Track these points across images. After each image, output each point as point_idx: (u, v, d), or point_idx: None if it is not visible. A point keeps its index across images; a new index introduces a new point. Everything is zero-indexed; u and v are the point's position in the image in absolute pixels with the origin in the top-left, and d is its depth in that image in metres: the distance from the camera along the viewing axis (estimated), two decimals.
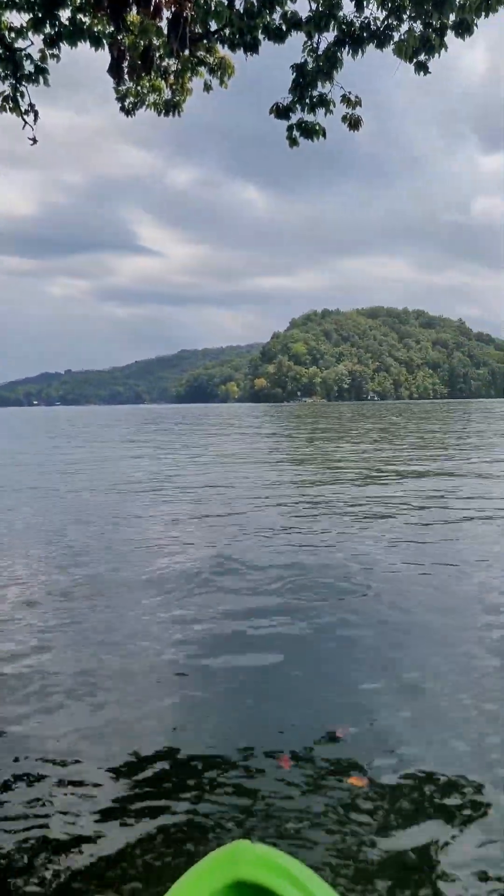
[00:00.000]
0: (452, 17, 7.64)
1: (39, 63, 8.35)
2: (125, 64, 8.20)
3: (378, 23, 7.99)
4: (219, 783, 3.04)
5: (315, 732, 3.46)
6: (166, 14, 6.97)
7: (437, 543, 7.74)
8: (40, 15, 7.87)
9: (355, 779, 3.01)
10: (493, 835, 2.64)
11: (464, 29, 7.71)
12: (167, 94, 9.64)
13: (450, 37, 7.93)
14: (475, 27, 7.70)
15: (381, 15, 7.94)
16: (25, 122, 8.56)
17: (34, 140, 8.76)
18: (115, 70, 7.99)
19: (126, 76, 8.58)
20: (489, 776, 3.01)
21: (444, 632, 4.87)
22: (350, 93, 8.69)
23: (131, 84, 9.20)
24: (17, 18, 7.90)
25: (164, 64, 9.15)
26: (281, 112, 8.78)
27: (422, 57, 8.06)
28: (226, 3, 7.85)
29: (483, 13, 7.42)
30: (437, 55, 8.08)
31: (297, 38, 8.32)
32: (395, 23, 7.95)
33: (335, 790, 2.93)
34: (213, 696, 3.96)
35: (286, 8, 8.00)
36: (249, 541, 8.05)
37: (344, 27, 8.09)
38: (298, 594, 5.84)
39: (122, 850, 2.65)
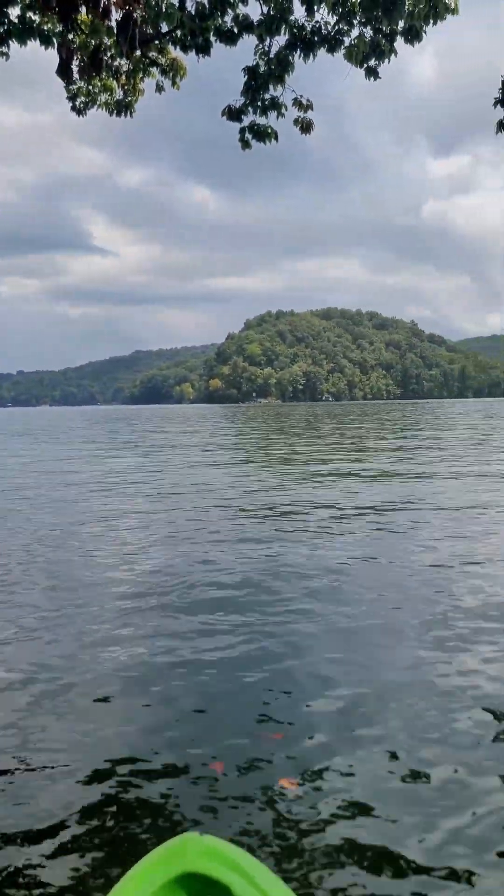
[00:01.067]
0: (402, 23, 7.74)
1: None
2: (75, 64, 8.13)
3: (329, 27, 8.07)
4: (153, 785, 3.03)
5: (247, 737, 3.45)
6: (116, 15, 6.93)
7: (388, 547, 7.83)
8: None
9: (286, 781, 3.03)
10: (417, 831, 2.68)
11: (413, 35, 7.82)
12: (119, 94, 9.59)
13: (399, 43, 8.03)
14: (424, 34, 7.82)
15: (332, 20, 8.01)
16: None
17: None
18: (63, 71, 7.92)
19: (77, 76, 8.50)
20: (419, 780, 3.05)
21: (382, 638, 4.92)
22: (302, 96, 8.74)
23: (82, 84, 9.13)
24: None
25: (116, 64, 9.10)
26: (233, 114, 8.80)
27: (372, 62, 8.15)
28: (177, 4, 7.84)
29: (431, 21, 7.54)
30: (387, 61, 8.17)
31: (248, 41, 8.35)
32: (345, 28, 8.03)
33: (267, 792, 2.94)
34: (148, 700, 3.94)
35: (237, 11, 8.02)
36: (195, 545, 8.05)
37: (295, 31, 8.14)
38: (237, 598, 5.85)
39: (70, 844, 2.64)
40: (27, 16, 7.80)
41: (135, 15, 6.61)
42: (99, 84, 9.33)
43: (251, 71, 8.56)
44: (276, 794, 2.93)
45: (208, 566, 6.93)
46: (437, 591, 5.91)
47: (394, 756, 3.23)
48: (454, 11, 7.52)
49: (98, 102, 9.66)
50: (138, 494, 12.60)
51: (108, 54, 8.50)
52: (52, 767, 3.20)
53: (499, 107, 8.57)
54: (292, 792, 2.94)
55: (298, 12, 7.93)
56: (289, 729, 3.53)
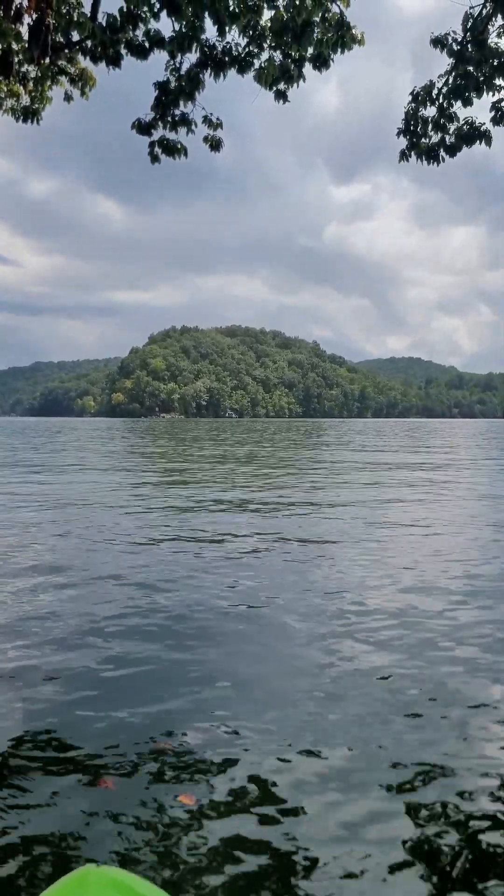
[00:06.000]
0: (311, 50, 7.97)
1: None
2: None
3: (239, 49, 8.20)
4: (42, 811, 2.90)
5: (134, 750, 3.39)
6: (27, 20, 6.83)
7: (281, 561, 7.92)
8: None
9: (184, 796, 2.98)
10: (317, 836, 2.72)
11: (321, 62, 8.06)
12: (25, 100, 9.45)
13: (307, 69, 8.26)
14: (332, 62, 8.07)
15: (243, 41, 8.15)
16: None
17: None
18: None
19: None
20: (310, 785, 3.09)
21: (275, 647, 4.97)
22: (212, 114, 8.85)
23: None
24: None
25: (24, 70, 8.97)
26: (143, 128, 8.81)
27: (281, 85, 8.34)
28: (88, 15, 7.81)
29: (339, 49, 7.79)
30: (295, 85, 8.38)
31: (160, 57, 8.39)
32: (255, 50, 8.18)
33: (163, 807, 2.89)
34: (31, 712, 3.83)
35: (149, 25, 8.05)
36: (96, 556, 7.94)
37: (206, 50, 8.24)
38: (134, 610, 5.80)
39: None
40: None
41: (47, 21, 6.52)
42: (5, 89, 9.18)
43: (162, 86, 8.61)
44: (173, 808, 2.88)
45: (81, 580, 6.84)
46: (330, 607, 6.00)
47: (288, 764, 3.25)
48: (360, 42, 7.80)
49: (3, 107, 9.50)
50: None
51: (17, 59, 8.36)
52: None
53: (401, 136, 8.91)
54: (190, 807, 2.90)
55: (210, 32, 8.03)
56: (176, 740, 3.49)
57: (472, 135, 8.46)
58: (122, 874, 1.72)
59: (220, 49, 8.20)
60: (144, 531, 9.71)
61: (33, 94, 9.37)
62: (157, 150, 8.96)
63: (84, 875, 1.67)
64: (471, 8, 7.80)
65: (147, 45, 8.19)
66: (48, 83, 9.26)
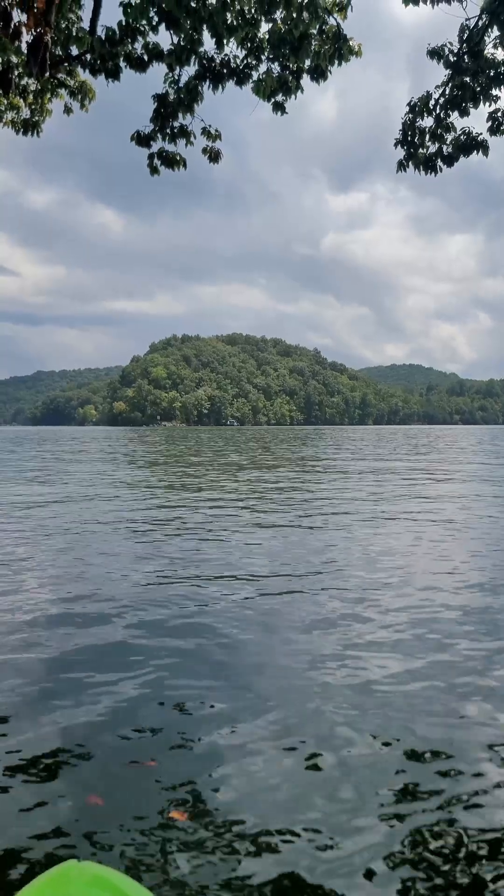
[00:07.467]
0: (308, 61, 8.02)
1: None
2: None
3: (238, 61, 8.27)
4: (32, 823, 2.88)
5: (121, 767, 3.34)
6: (26, 37, 6.89)
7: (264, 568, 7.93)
8: None
9: (177, 813, 2.93)
10: (312, 851, 2.71)
11: (318, 74, 8.12)
12: (26, 113, 9.53)
13: (305, 80, 8.32)
14: (329, 73, 8.13)
15: (241, 54, 8.22)
16: None
17: None
18: None
19: None
20: (298, 799, 3.08)
21: (269, 663, 4.96)
22: (210, 126, 8.91)
23: None
24: None
25: (24, 83, 9.04)
26: (142, 140, 8.88)
27: (279, 97, 8.41)
28: (87, 29, 7.88)
29: (336, 62, 7.85)
30: (293, 97, 8.44)
31: (159, 69, 8.46)
32: (254, 62, 8.25)
33: (154, 823, 2.85)
34: (20, 727, 3.79)
35: (148, 39, 8.12)
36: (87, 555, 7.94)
37: (205, 62, 8.31)
38: (107, 620, 5.80)
39: None
40: None
41: (46, 38, 6.58)
42: (5, 102, 9.25)
43: (160, 98, 8.67)
44: (165, 825, 2.84)
45: (66, 591, 6.85)
46: (308, 625, 6.01)
47: (282, 778, 3.25)
48: (358, 54, 7.86)
49: (3, 120, 9.57)
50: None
51: (17, 73, 8.42)
52: None
53: (399, 147, 8.96)
54: (183, 823, 2.86)
55: (208, 44, 8.10)
56: (163, 756, 3.45)
57: (470, 145, 8.51)
58: (104, 870, 1.72)
59: (218, 61, 8.27)
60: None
61: (33, 106, 9.45)
62: (157, 161, 9.02)
63: (67, 870, 1.66)
64: (467, 20, 7.86)
65: (146, 57, 8.26)
66: (48, 96, 9.34)
